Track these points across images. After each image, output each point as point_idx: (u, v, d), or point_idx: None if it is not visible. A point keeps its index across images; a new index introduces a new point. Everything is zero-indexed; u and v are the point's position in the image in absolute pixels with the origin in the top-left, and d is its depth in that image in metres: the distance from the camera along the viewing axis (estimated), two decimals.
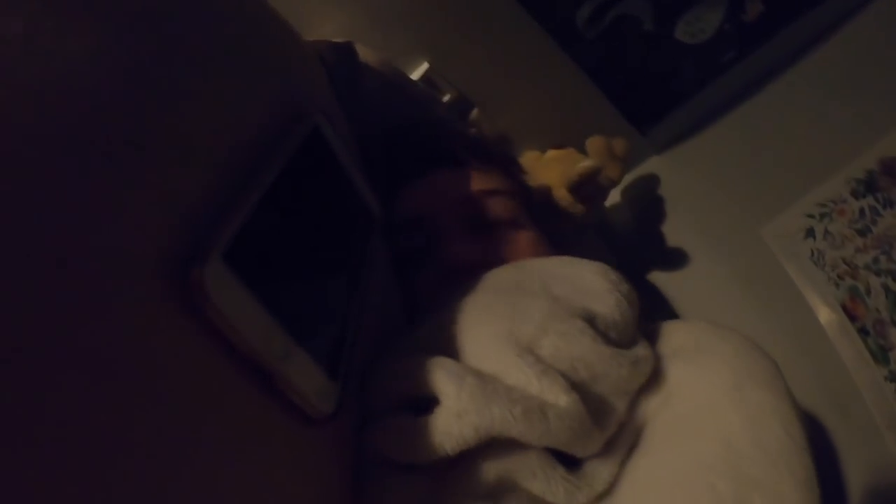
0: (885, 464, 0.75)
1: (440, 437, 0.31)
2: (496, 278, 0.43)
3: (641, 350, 0.37)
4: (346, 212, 0.39)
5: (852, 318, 0.80)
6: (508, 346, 0.33)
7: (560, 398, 0.31)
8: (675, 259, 0.86)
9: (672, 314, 0.86)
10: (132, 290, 0.21)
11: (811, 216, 0.83)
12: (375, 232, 0.43)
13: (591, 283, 0.39)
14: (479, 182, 0.55)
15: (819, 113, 0.83)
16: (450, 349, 0.36)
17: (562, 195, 0.74)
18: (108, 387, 0.19)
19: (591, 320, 0.35)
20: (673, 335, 0.41)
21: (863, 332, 0.79)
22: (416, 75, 0.74)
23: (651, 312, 0.83)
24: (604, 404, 0.34)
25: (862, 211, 0.81)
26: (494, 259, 0.51)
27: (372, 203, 0.43)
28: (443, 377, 0.32)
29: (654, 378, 0.37)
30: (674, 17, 0.77)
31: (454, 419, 0.31)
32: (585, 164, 0.71)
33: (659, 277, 0.88)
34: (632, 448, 0.35)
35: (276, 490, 0.27)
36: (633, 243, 0.92)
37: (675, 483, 0.31)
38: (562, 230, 0.76)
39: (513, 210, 0.55)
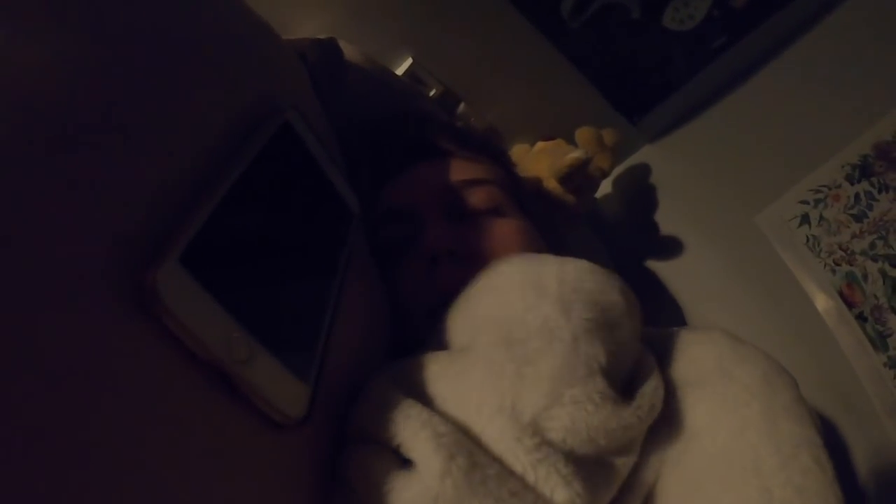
0: (885, 451, 0.75)
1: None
2: (503, 286, 0.38)
3: (650, 389, 0.34)
4: (321, 208, 0.39)
5: (850, 304, 0.79)
6: (508, 426, 0.30)
7: (558, 493, 0.28)
8: (668, 249, 0.86)
9: (667, 304, 0.85)
10: (86, 294, 0.20)
11: (806, 202, 0.82)
12: (354, 227, 0.42)
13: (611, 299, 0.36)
14: (463, 171, 0.54)
15: (811, 98, 0.82)
16: (441, 399, 0.32)
17: (552, 186, 0.73)
18: (59, 394, 0.19)
19: (609, 367, 0.32)
20: (689, 355, 0.39)
21: (861, 318, 0.78)
22: (400, 70, 0.73)
23: (646, 304, 0.82)
24: (612, 466, 0.32)
25: (857, 196, 0.80)
26: (472, 246, 0.50)
27: (350, 198, 0.42)
28: (429, 447, 0.29)
29: (670, 415, 0.35)
30: (661, 4, 0.76)
31: (429, 501, 0.28)
32: (574, 154, 0.70)
33: (653, 267, 0.87)
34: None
35: (243, 494, 0.26)
36: (625, 234, 0.91)
37: None
38: (553, 222, 0.75)
39: (496, 199, 0.55)
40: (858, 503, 0.70)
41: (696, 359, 0.38)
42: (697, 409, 0.35)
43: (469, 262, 0.49)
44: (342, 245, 0.40)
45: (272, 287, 0.30)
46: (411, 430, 0.30)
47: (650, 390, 0.34)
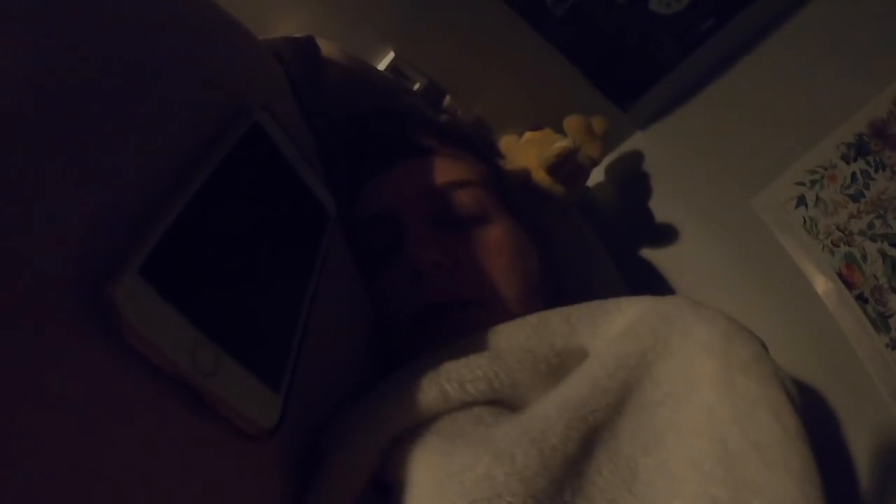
0: (890, 433, 0.74)
1: None
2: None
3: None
4: (294, 211, 0.38)
5: (849, 285, 0.78)
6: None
7: None
8: (664, 235, 0.85)
9: (665, 291, 0.84)
10: (44, 307, 0.20)
11: (801, 184, 0.81)
12: (329, 230, 0.41)
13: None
14: (447, 172, 0.53)
15: (804, 78, 0.80)
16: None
17: (541, 177, 0.73)
18: (22, 417, 0.18)
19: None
20: (650, 315, 0.39)
21: (861, 299, 0.77)
22: (382, 65, 0.72)
23: (645, 291, 0.81)
24: None
25: (854, 175, 0.79)
26: (458, 257, 0.49)
27: (326, 200, 0.42)
28: None
29: (648, 372, 0.36)
30: None
31: None
32: (561, 143, 0.69)
33: (649, 255, 0.86)
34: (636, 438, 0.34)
35: None
36: (620, 222, 0.90)
37: (675, 493, 0.30)
38: (542, 214, 0.74)
39: (483, 201, 0.53)
40: (863, 484, 0.70)
41: (659, 318, 0.39)
42: (661, 370, 0.36)
43: (454, 274, 0.48)
44: (317, 248, 0.39)
45: (241, 295, 0.30)
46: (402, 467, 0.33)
47: None
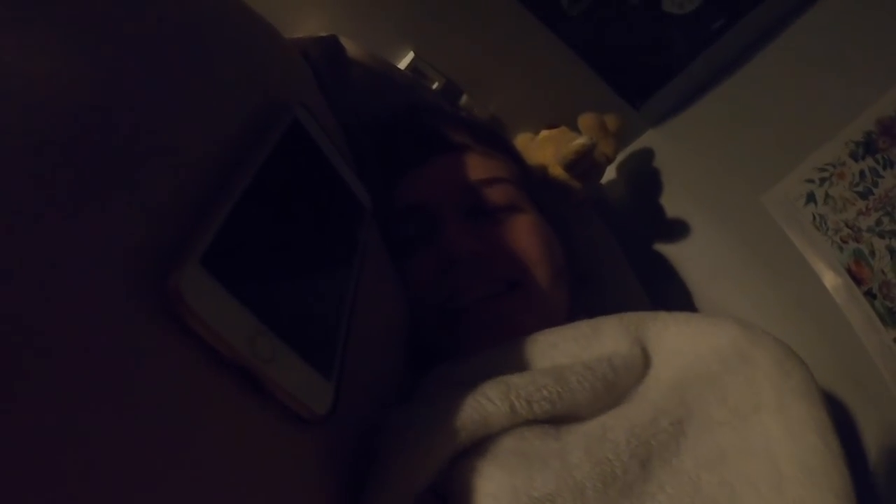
0: None
1: None
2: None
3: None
4: (334, 204, 0.39)
5: (858, 281, 0.79)
6: None
7: None
8: (675, 232, 0.86)
9: (676, 287, 0.85)
10: (110, 304, 0.21)
11: (811, 181, 0.82)
12: (367, 222, 0.43)
13: None
14: (479, 168, 0.55)
15: (813, 76, 0.81)
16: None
17: (558, 173, 0.74)
18: (91, 402, 0.19)
19: None
20: (705, 341, 0.41)
21: (869, 295, 0.78)
22: (402, 65, 0.73)
23: (656, 287, 0.82)
24: None
25: (862, 173, 0.80)
26: (493, 247, 0.50)
27: (361, 193, 0.43)
28: None
29: (711, 393, 0.38)
30: None
31: None
32: (579, 141, 0.70)
33: (661, 251, 0.87)
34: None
35: (270, 492, 0.27)
36: (632, 218, 0.91)
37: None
38: (560, 210, 0.75)
39: (513, 197, 0.55)
40: (872, 479, 0.71)
41: (712, 344, 0.41)
42: (724, 393, 0.38)
43: (488, 264, 0.50)
44: (357, 240, 0.40)
45: (291, 285, 0.31)
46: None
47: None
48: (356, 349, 0.35)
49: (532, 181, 0.63)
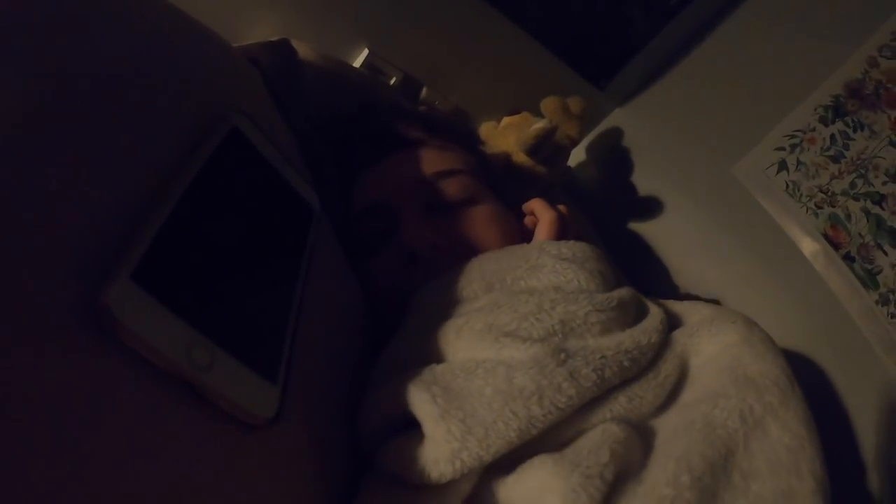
0: (888, 389, 0.74)
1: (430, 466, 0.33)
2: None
3: None
4: (278, 209, 0.39)
5: (835, 245, 0.78)
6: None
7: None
8: (649, 209, 0.85)
9: (654, 265, 0.85)
10: (43, 324, 0.21)
11: (782, 149, 0.81)
12: (315, 225, 0.43)
13: None
14: (436, 162, 0.55)
15: (777, 44, 0.81)
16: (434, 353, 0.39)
17: (521, 160, 0.74)
18: (28, 427, 0.19)
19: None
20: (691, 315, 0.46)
21: (848, 258, 0.77)
22: (357, 63, 0.73)
23: (633, 266, 0.82)
24: None
25: (833, 137, 0.79)
26: (451, 238, 0.51)
27: (309, 197, 0.43)
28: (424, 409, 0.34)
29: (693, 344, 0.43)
30: None
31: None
32: (538, 125, 0.70)
33: (636, 229, 0.87)
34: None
35: (216, 498, 0.27)
36: (604, 199, 0.91)
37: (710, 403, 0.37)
38: (527, 195, 0.75)
39: (470, 188, 0.55)
40: (862, 439, 0.70)
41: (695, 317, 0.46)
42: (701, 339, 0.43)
43: (447, 254, 0.50)
44: (303, 244, 0.40)
45: (232, 292, 0.31)
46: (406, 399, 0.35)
47: None
48: (307, 349, 0.36)
49: (492, 169, 0.63)
